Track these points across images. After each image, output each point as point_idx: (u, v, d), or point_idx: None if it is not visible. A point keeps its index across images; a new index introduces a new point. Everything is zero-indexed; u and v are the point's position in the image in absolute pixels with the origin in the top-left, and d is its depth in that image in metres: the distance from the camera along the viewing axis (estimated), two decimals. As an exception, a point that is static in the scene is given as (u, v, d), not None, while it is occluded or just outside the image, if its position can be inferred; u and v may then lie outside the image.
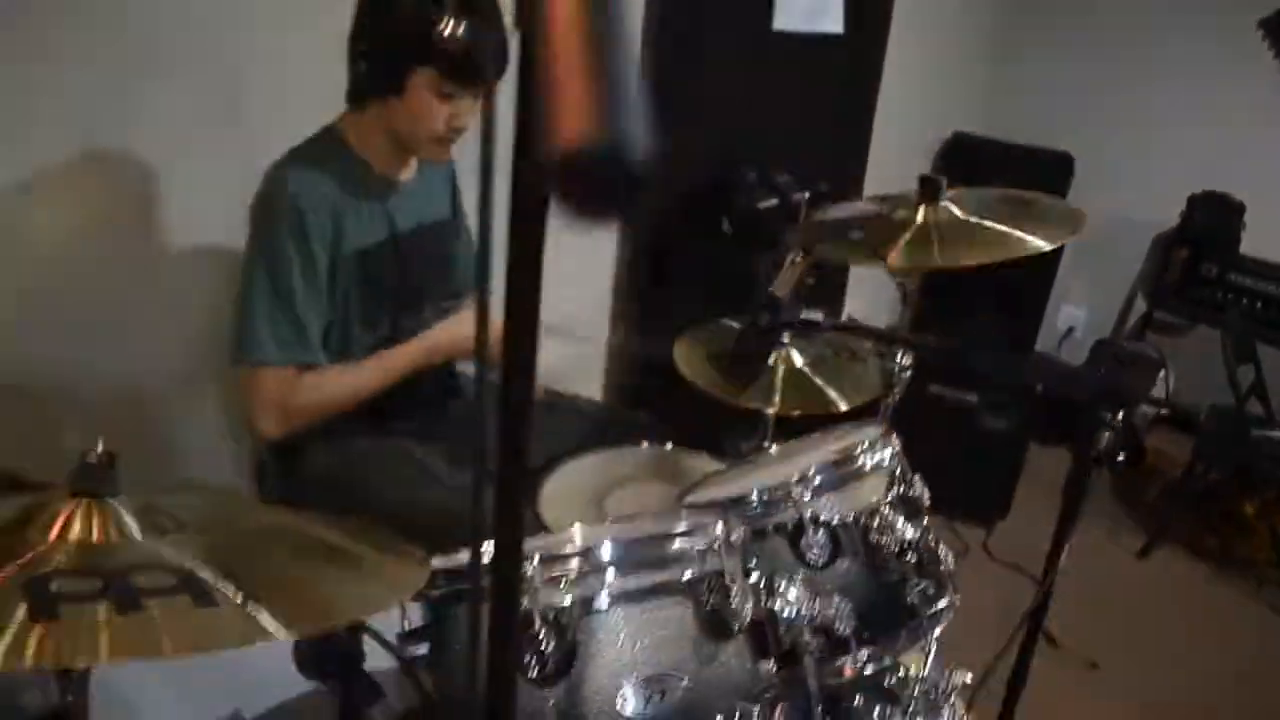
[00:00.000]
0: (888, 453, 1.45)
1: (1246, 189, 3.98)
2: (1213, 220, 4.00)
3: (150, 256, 2.05)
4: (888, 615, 1.40)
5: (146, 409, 2.11)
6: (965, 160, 4.30)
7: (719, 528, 1.19)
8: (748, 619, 1.16)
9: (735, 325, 2.27)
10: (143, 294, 2.03)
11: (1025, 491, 3.56)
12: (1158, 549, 3.51)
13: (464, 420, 2.11)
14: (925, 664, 1.40)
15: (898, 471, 1.46)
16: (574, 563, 1.11)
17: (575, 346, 2.78)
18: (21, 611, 0.74)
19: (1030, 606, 1.47)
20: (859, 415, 1.99)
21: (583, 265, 3.03)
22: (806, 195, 3.17)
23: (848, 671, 1.32)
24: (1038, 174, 4.14)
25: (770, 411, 2.12)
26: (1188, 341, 4.18)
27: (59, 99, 1.80)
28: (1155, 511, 3.71)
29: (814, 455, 1.52)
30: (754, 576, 1.23)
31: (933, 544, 1.43)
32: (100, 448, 1.00)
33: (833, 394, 2.02)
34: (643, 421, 2.24)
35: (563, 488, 1.96)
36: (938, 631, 1.44)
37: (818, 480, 1.39)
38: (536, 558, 1.09)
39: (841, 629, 1.30)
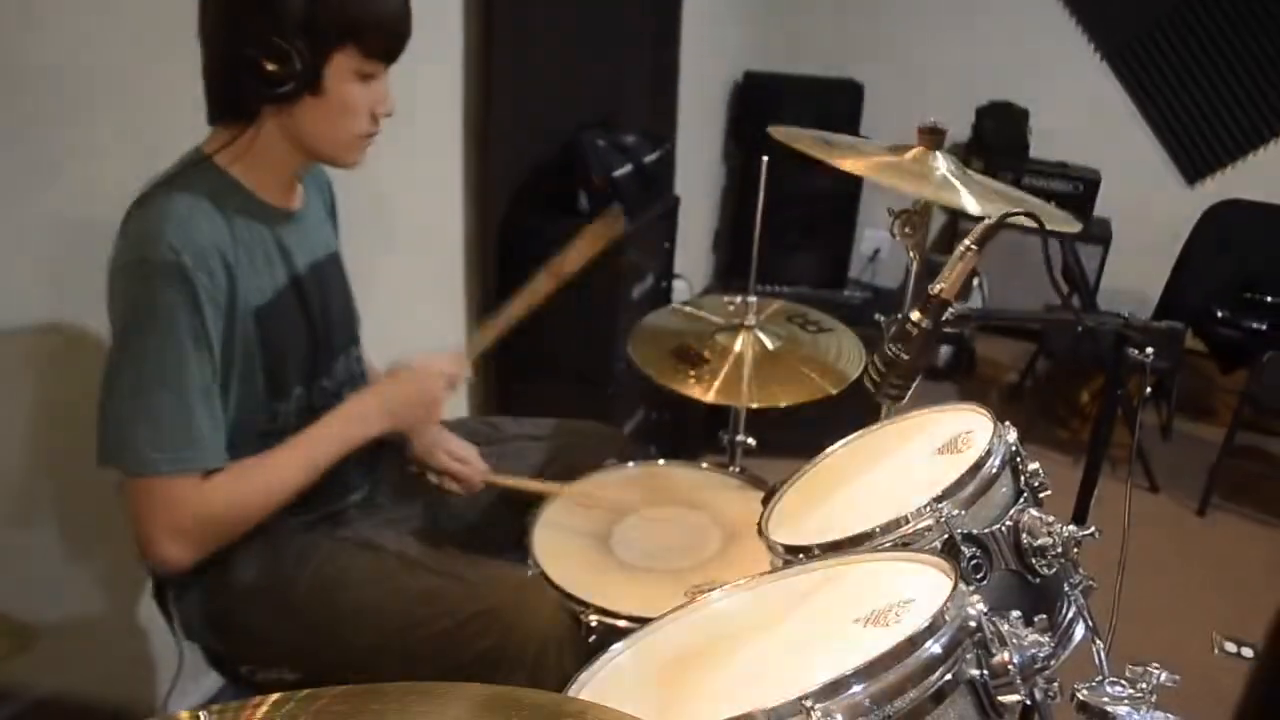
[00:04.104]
0: (1010, 438, 1.27)
1: (1028, 97, 4.14)
2: (1001, 128, 4.12)
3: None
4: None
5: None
6: (760, 97, 4.21)
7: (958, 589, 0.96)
8: (1027, 687, 0.95)
9: (692, 310, 2.05)
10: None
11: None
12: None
13: (409, 496, 1.76)
14: (1100, 660, 1.24)
15: (1018, 460, 1.28)
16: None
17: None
18: None
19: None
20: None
21: (430, 272, 2.67)
22: (656, 155, 2.96)
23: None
24: (830, 103, 4.15)
25: (743, 407, 1.92)
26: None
27: None
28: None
29: (922, 456, 1.32)
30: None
31: (1068, 535, 1.27)
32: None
33: (817, 377, 1.82)
34: (604, 433, 1.96)
35: (559, 535, 1.66)
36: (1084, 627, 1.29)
37: (964, 491, 1.19)
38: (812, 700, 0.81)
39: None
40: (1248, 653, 2.82)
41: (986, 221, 1.09)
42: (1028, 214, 1.10)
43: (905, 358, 1.09)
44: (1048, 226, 1.10)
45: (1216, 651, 2.74)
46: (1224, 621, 2.79)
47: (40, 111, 1.57)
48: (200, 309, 1.32)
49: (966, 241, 1.08)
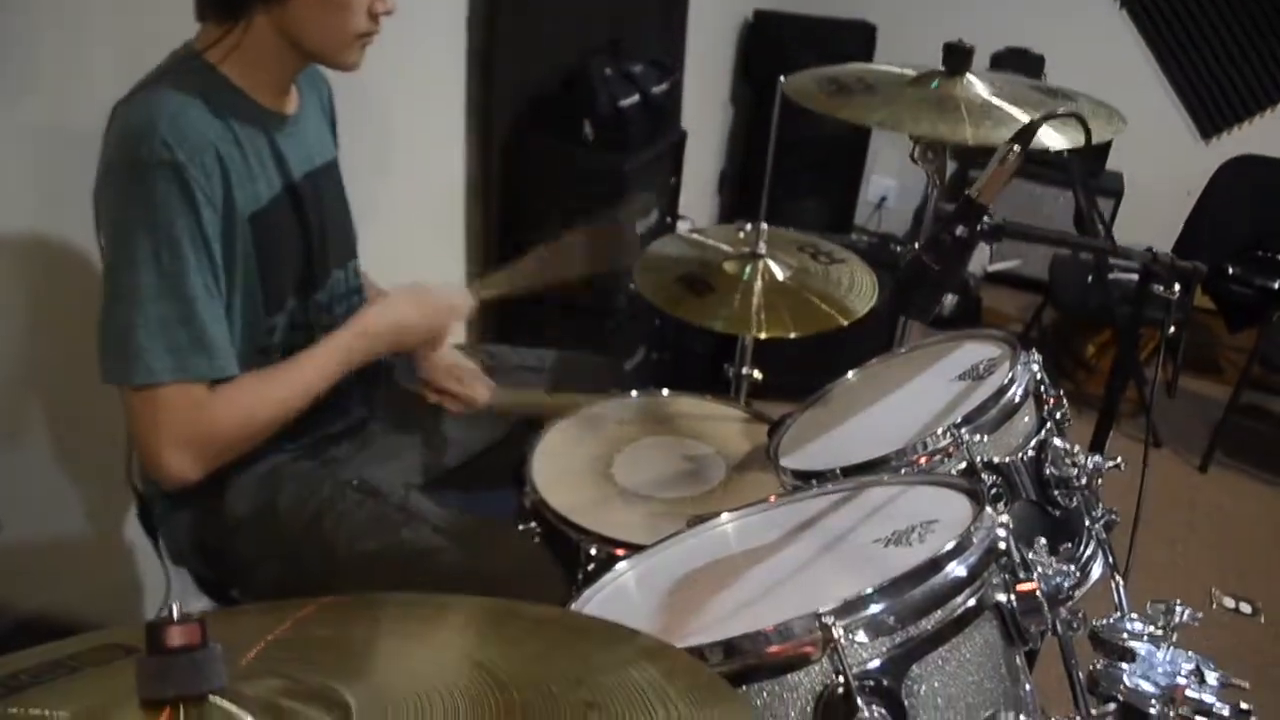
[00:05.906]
0: (1034, 369, 1.22)
1: (1044, 44, 4.04)
2: (1018, 74, 4.02)
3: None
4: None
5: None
6: (771, 36, 4.11)
7: (986, 514, 0.91)
8: (1051, 616, 0.90)
9: (700, 238, 1.99)
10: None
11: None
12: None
13: (406, 423, 1.70)
14: (1120, 596, 1.20)
15: (1044, 389, 1.23)
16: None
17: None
18: None
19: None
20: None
21: (430, 197, 2.60)
22: (664, 86, 2.88)
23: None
24: (841, 45, 4.05)
25: (750, 337, 1.86)
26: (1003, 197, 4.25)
27: None
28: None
29: (941, 383, 1.27)
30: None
31: (1093, 465, 1.22)
32: (173, 609, 0.57)
33: (828, 308, 1.76)
34: (605, 365, 1.91)
35: (558, 463, 1.62)
36: (1105, 561, 1.24)
37: (986, 416, 1.14)
38: (833, 618, 0.76)
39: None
40: (1246, 609, 2.78)
41: (1030, 120, 1.03)
42: (1073, 114, 1.04)
43: (936, 268, 1.03)
44: (1093, 129, 1.04)
45: (1214, 607, 2.69)
46: (1222, 577, 2.77)
47: (23, 15, 1.49)
48: (197, 208, 1.25)
49: (1008, 142, 1.02)
